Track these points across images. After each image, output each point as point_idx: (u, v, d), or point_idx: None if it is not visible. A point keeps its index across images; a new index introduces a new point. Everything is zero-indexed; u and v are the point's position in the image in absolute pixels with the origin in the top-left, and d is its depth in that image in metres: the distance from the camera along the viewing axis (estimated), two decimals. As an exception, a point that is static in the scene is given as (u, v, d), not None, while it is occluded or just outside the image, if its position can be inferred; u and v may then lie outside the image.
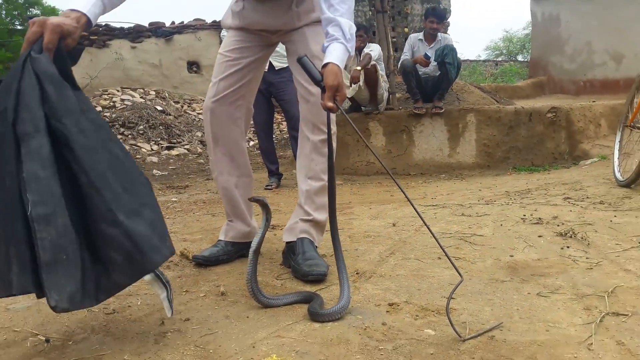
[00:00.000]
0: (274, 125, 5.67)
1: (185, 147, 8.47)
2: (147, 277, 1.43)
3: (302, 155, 2.09)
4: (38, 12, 17.41)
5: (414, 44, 6.11)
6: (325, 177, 1.98)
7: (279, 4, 2.06)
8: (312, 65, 1.69)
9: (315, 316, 1.52)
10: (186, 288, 1.92)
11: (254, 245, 1.67)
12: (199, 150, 8.45)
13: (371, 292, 1.75)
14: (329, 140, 1.78)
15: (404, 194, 1.63)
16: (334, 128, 1.97)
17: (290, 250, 2.08)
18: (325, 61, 1.69)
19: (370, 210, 3.43)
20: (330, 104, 1.62)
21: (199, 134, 8.92)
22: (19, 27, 17.23)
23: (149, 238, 1.34)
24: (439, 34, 6.06)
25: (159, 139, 8.54)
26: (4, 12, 17.10)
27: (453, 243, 2.36)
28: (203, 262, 2.20)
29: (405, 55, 6.07)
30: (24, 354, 1.38)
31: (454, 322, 1.39)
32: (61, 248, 1.24)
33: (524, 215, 2.83)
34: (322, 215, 2.08)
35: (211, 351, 1.35)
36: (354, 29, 1.82)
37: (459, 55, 5.82)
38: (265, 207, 1.72)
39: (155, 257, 1.35)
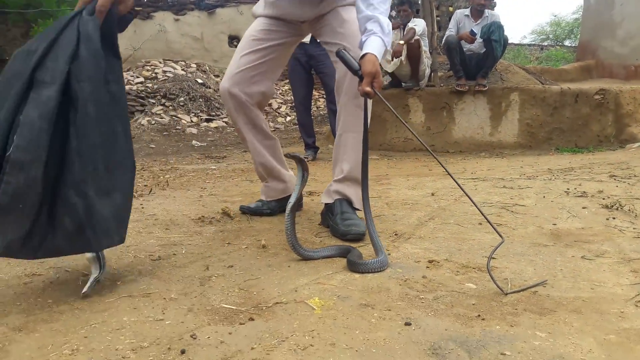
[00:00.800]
0: (312, 101, 5.64)
1: (224, 119, 8.56)
2: (89, 254, 1.45)
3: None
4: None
5: (460, 20, 5.97)
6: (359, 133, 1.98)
7: None
8: (349, 56, 1.77)
9: (355, 266, 1.54)
10: (228, 241, 1.96)
11: (292, 200, 1.69)
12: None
13: (410, 251, 1.75)
14: (365, 125, 1.82)
15: (442, 165, 1.62)
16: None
17: (329, 211, 2.11)
18: (363, 52, 1.75)
19: (408, 181, 3.41)
20: (368, 88, 1.69)
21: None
22: (67, -2, 17.65)
23: (107, 221, 1.36)
24: (485, 10, 5.91)
25: (199, 111, 8.66)
26: (52, -17, 17.49)
27: (494, 211, 2.33)
28: (248, 212, 2.37)
29: (450, 31, 5.95)
30: (76, 289, 1.44)
31: (496, 279, 1.38)
32: (21, 198, 1.25)
33: (568, 189, 2.77)
34: (356, 172, 2.05)
35: (255, 293, 1.38)
36: (391, 25, 1.86)
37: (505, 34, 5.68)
38: (301, 162, 1.74)
39: (104, 240, 1.38)
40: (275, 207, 2.40)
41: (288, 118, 8.98)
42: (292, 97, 5.52)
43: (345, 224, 1.96)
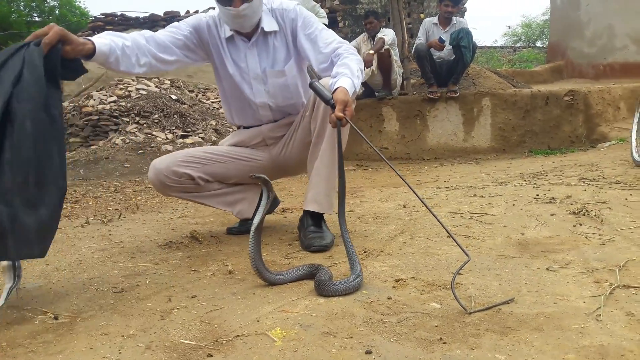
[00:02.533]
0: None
1: (200, 135, 8.50)
2: (4, 263, 1.47)
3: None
4: (56, 3, 17.58)
5: (429, 29, 6.03)
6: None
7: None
8: (322, 87, 1.88)
9: (322, 288, 1.51)
10: (195, 267, 1.93)
11: (255, 222, 1.66)
12: (213, 138, 8.47)
13: (378, 269, 1.74)
14: (339, 151, 1.86)
15: (405, 182, 1.61)
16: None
17: (301, 222, 2.21)
18: (334, 87, 1.86)
19: (381, 193, 3.41)
20: (340, 114, 1.76)
21: (213, 122, 8.95)
22: (37, 19, 17.47)
23: (29, 232, 1.40)
24: (453, 17, 5.97)
25: (174, 128, 8.58)
26: (22, 3, 17.33)
27: (463, 222, 2.33)
28: (238, 233, 2.44)
29: (420, 39, 6.00)
30: (32, 330, 1.39)
31: (460, 297, 1.37)
32: None
33: (537, 195, 2.79)
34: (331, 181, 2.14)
35: (216, 326, 1.35)
36: (362, 65, 2.01)
37: (475, 40, 5.75)
38: (266, 183, 1.72)
39: (24, 249, 1.41)
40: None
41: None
42: None
43: (311, 236, 2.08)
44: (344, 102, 1.78)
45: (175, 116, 8.66)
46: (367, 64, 5.70)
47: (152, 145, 8.00)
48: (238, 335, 1.27)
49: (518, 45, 25.37)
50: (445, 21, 5.97)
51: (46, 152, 1.48)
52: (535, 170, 3.92)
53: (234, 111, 2.36)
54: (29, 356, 1.24)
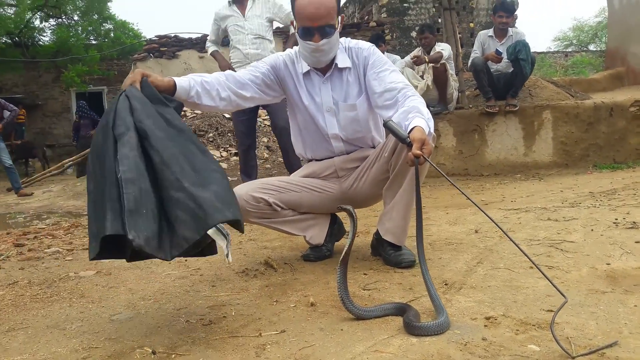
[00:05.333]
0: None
1: (255, 151, 8.63)
2: (211, 231, 1.60)
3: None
4: (111, 26, 18.31)
5: (484, 41, 5.93)
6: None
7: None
8: (397, 127, 1.91)
9: (413, 328, 1.51)
10: (276, 298, 1.96)
11: (342, 255, 1.69)
12: (265, 155, 8.59)
13: (464, 305, 1.72)
14: (417, 188, 1.91)
15: (482, 210, 1.58)
16: None
17: (379, 243, 2.34)
18: (410, 127, 1.90)
19: (447, 215, 3.37)
20: (418, 151, 1.79)
21: (265, 139, 9.08)
22: (93, 42, 18.25)
23: (211, 201, 1.57)
24: (509, 29, 5.86)
25: (228, 146, 8.76)
26: (79, 28, 18.13)
27: (543, 251, 2.27)
28: (314, 260, 2.48)
29: (475, 52, 5.91)
30: (134, 364, 1.45)
31: (558, 338, 1.34)
32: (142, 204, 1.52)
33: (616, 219, 2.69)
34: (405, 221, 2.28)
35: (312, 365, 1.37)
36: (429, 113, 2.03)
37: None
38: (351, 215, 1.75)
39: (217, 215, 1.56)
40: (331, 247, 2.55)
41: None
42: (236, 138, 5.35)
43: (397, 254, 2.24)
44: (422, 141, 1.82)
45: (229, 134, 8.85)
46: (418, 61, 5.73)
47: (208, 162, 8.19)
48: (338, 378, 1.28)
49: (569, 49, 24.64)
50: (501, 33, 5.86)
51: (186, 149, 1.68)
52: (605, 189, 3.78)
53: (307, 144, 2.43)
54: (136, 394, 1.29)
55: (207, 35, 5.00)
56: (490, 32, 5.98)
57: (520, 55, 5.37)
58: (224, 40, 5.01)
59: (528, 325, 1.51)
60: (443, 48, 5.75)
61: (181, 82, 2.05)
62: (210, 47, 4.90)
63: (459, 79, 6.19)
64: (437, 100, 5.90)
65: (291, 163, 4.60)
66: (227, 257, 1.66)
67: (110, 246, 1.56)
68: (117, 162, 1.58)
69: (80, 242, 3.46)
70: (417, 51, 6.16)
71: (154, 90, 1.85)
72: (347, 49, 2.30)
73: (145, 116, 1.69)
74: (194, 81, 2.09)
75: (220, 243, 1.66)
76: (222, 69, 4.67)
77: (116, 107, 1.73)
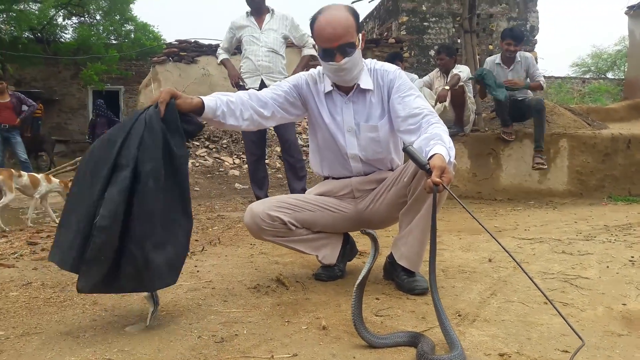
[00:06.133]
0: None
1: (265, 161, 8.67)
2: (145, 293, 1.85)
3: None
4: (132, 27, 18.50)
5: (491, 68, 5.77)
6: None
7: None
8: (417, 153, 1.90)
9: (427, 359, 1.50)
10: (287, 318, 1.95)
11: (359, 279, 1.69)
12: (278, 165, 8.63)
13: (478, 339, 1.70)
14: (434, 216, 1.88)
15: (499, 244, 1.58)
16: None
17: (392, 267, 2.34)
18: (430, 153, 1.89)
19: (460, 240, 3.35)
20: (437, 179, 1.76)
21: (278, 148, 9.11)
22: (114, 42, 18.46)
23: (159, 267, 1.74)
24: (517, 54, 5.72)
25: (241, 153, 8.81)
26: (101, 27, 18.35)
27: (557, 286, 2.26)
28: (326, 279, 2.47)
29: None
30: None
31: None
32: (102, 252, 1.66)
33: (632, 257, 2.67)
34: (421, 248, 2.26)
35: (324, 393, 1.36)
36: (452, 142, 2.03)
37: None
38: (374, 240, 1.75)
39: (158, 282, 1.78)
40: (343, 267, 2.55)
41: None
42: (245, 150, 5.27)
43: (410, 280, 2.23)
44: (442, 169, 1.80)
45: (243, 142, 8.89)
46: (441, 98, 5.66)
47: (220, 169, 8.24)
48: (351, 409, 1.27)
49: (587, 76, 24.55)
50: (508, 60, 5.73)
51: (169, 200, 1.78)
52: (621, 222, 3.75)
53: (325, 161, 2.43)
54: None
55: None
56: (498, 58, 5.83)
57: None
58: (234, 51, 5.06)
59: (543, 366, 1.50)
60: (461, 70, 5.74)
61: (209, 102, 2.06)
62: (222, 55, 4.94)
63: (476, 101, 6.18)
64: (454, 122, 5.90)
65: (292, 187, 4.64)
66: (148, 323, 1.85)
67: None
68: (102, 200, 1.67)
69: (93, 244, 3.48)
70: (436, 72, 6.17)
71: (176, 116, 1.86)
72: (371, 70, 2.30)
73: (148, 158, 1.74)
74: (220, 101, 2.11)
75: (149, 306, 1.87)
76: (231, 77, 4.73)
77: (130, 130, 1.77)
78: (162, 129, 1.80)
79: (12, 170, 4.67)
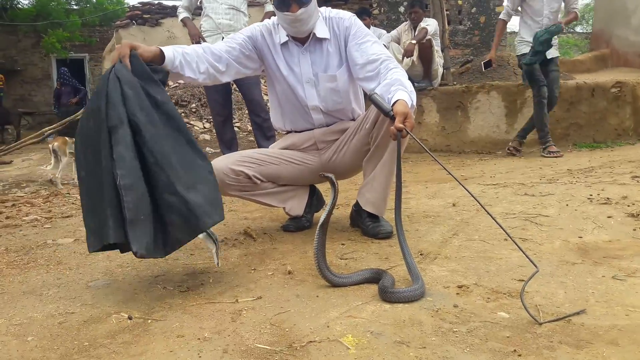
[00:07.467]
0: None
1: (236, 124, 8.57)
2: (201, 236, 1.79)
3: None
4: (92, -8, 17.79)
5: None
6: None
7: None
8: (381, 100, 1.92)
9: (387, 294, 1.53)
10: (254, 266, 1.97)
11: (321, 220, 1.70)
12: (249, 128, 8.53)
13: (438, 274, 1.75)
14: (398, 161, 1.87)
15: (462, 185, 1.61)
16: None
17: (358, 214, 2.37)
18: (393, 100, 1.90)
19: (426, 189, 3.40)
20: (400, 125, 1.80)
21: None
22: (75, 7, 17.74)
23: (202, 206, 1.69)
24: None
25: (210, 117, 8.68)
26: (61, -9, 17.59)
27: (518, 224, 2.31)
28: (295, 230, 2.50)
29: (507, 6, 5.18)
30: (110, 330, 1.46)
31: (528, 306, 1.38)
32: (140, 210, 1.61)
33: (591, 195, 2.74)
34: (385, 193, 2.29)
35: (287, 330, 1.39)
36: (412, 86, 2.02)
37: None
38: (333, 183, 1.76)
39: (207, 220, 1.71)
40: (310, 218, 2.58)
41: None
42: (210, 112, 5.09)
43: (375, 224, 2.27)
44: (404, 114, 1.82)
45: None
46: (408, 53, 5.64)
47: (191, 134, 8.12)
48: (311, 341, 1.30)
49: (556, 30, 24.62)
50: None
51: (176, 143, 1.74)
52: (583, 166, 3.84)
53: (286, 115, 2.41)
54: (112, 357, 1.30)
55: None
56: None
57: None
58: (195, 10, 4.91)
59: (499, 294, 1.55)
60: (429, 24, 5.71)
61: (167, 52, 2.00)
62: (182, 14, 4.77)
63: (444, 56, 6.18)
64: (422, 76, 5.90)
65: (261, 147, 4.57)
66: (216, 262, 1.88)
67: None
68: (114, 162, 1.61)
69: (59, 210, 3.43)
70: (404, 25, 6.11)
71: (143, 66, 1.82)
72: (327, 19, 2.26)
73: (138, 108, 1.69)
74: (177, 52, 2.05)
75: (210, 247, 1.87)
76: (192, 37, 4.58)
77: (107, 92, 1.70)
78: (137, 80, 1.75)
79: (67, 138, 5.23)
